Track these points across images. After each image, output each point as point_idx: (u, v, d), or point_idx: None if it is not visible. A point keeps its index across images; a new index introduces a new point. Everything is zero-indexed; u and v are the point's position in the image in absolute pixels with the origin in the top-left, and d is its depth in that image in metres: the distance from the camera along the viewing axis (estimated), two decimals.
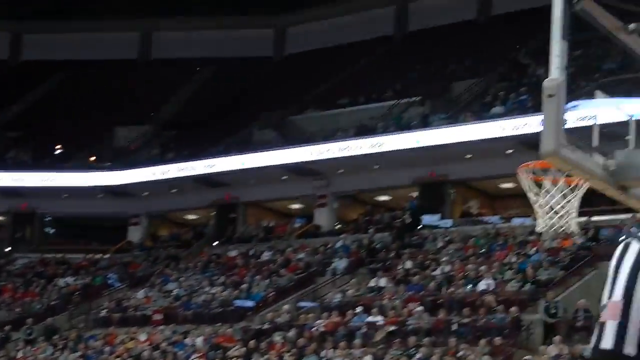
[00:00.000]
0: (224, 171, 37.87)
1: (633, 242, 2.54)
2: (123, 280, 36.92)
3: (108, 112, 45.59)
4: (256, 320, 29.42)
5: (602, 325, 2.53)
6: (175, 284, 34.42)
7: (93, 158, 43.59)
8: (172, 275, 35.57)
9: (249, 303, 30.70)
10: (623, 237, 2.65)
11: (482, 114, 34.42)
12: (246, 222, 39.58)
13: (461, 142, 32.08)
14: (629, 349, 2.47)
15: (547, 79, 5.73)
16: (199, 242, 39.33)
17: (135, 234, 41.76)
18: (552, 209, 12.63)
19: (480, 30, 42.94)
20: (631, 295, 2.49)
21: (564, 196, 11.46)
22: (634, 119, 7.16)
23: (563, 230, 11.70)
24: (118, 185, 40.45)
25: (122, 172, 40.52)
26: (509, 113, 32.94)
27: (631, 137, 6.77)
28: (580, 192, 11.46)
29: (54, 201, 41.57)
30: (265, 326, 28.23)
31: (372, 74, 42.09)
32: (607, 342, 2.49)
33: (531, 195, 12.70)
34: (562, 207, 11.50)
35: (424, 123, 35.35)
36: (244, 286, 32.13)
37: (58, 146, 45.26)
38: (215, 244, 38.66)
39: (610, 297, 2.52)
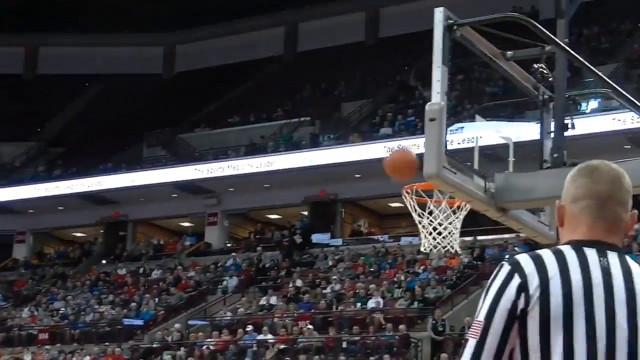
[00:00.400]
0: (112, 188, 37.48)
1: (505, 265, 2.69)
2: (7, 298, 36.18)
3: None
4: (145, 339, 29.20)
5: (466, 342, 2.68)
6: (62, 302, 33.89)
7: None
8: (59, 294, 35.01)
9: (138, 322, 30.44)
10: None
11: (370, 134, 34.99)
12: (135, 240, 39.28)
13: (350, 162, 32.50)
14: None
15: (428, 103, 6.00)
16: (87, 260, 38.82)
17: (20, 252, 40.95)
18: (436, 230, 13.01)
19: (369, 52, 43.67)
20: (492, 317, 2.63)
21: (447, 217, 11.81)
22: (513, 142, 7.54)
23: (447, 250, 12.07)
24: (2, 202, 39.60)
25: (6, 188, 39.70)
26: (397, 134, 33.57)
27: (510, 159, 7.14)
28: (462, 213, 11.82)
29: None
30: (155, 345, 28.06)
31: (262, 94, 42.35)
32: (465, 359, 2.65)
33: (415, 216, 13.08)
34: (445, 227, 11.86)
35: (314, 143, 35.75)
36: (133, 304, 31.81)
37: None
38: (103, 262, 38.24)
39: (477, 315, 2.67)
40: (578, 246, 2.72)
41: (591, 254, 2.70)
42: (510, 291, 2.64)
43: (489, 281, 2.71)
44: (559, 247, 2.75)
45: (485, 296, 2.69)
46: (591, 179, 2.77)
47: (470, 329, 2.68)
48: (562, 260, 2.68)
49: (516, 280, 2.64)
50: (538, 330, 2.61)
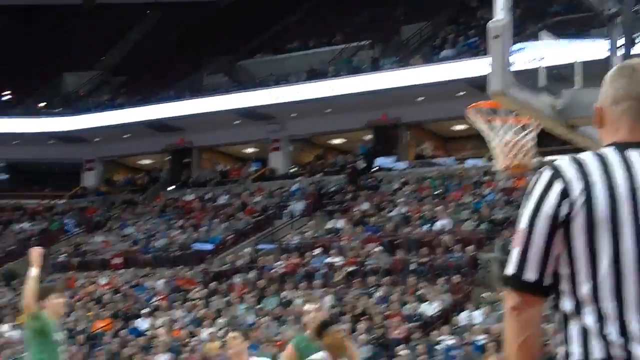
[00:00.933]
0: (175, 116, 37.94)
1: (545, 171, 2.62)
2: (80, 225, 37.08)
3: (55, 57, 45.24)
4: (215, 263, 29.81)
5: (511, 252, 2.63)
6: (133, 228, 34.64)
7: (43, 104, 43.37)
8: (129, 220, 35.80)
9: (208, 246, 31.05)
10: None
11: (431, 57, 34.81)
12: (201, 167, 39.83)
13: (412, 85, 32.42)
14: (529, 274, 2.59)
15: (492, 20, 6.07)
16: (154, 186, 39.54)
17: (89, 180, 41.83)
18: (507, 147, 12.95)
19: None
20: (533, 224, 2.58)
21: (516, 134, 11.77)
22: (580, 59, 7.60)
23: (522, 166, 11.97)
24: (69, 131, 40.39)
25: (72, 117, 40.36)
26: (459, 56, 33.35)
27: (577, 76, 7.22)
28: (533, 130, 11.75)
29: (5, 147, 41.47)
30: (225, 268, 28.63)
31: (321, 18, 42.17)
32: (511, 268, 2.61)
33: (485, 135, 13.07)
34: (517, 145, 11.76)
35: (375, 66, 35.67)
36: (202, 229, 32.47)
37: (6, 92, 44.95)
38: (170, 188, 38.90)
39: (519, 225, 2.62)
40: (620, 148, 2.64)
41: (635, 155, 2.62)
42: (552, 198, 2.58)
43: (529, 188, 2.65)
44: (601, 150, 2.67)
45: (526, 204, 2.63)
46: (631, 79, 2.70)
47: (514, 240, 2.65)
48: (605, 162, 2.60)
49: (558, 187, 2.58)
50: (583, 236, 2.56)
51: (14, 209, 39.91)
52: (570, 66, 7.55)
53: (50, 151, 41.28)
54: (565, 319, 2.63)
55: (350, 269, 25.73)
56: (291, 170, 37.30)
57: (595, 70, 7.17)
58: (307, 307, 7.70)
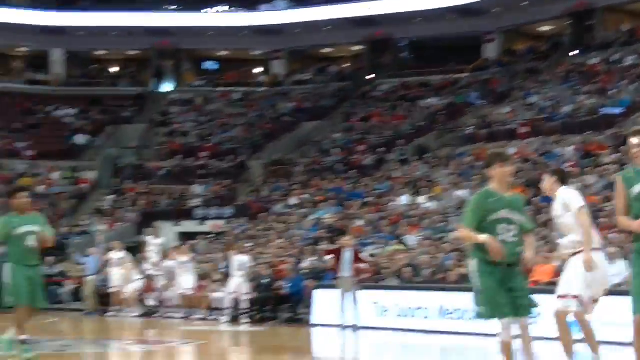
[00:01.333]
0: None
1: None
2: (484, 97, 37.39)
3: None
4: (627, 126, 28.73)
5: None
6: (538, 96, 34.29)
7: None
8: (533, 89, 35.46)
9: (617, 110, 30.03)
10: None
11: None
12: (605, 28, 38.33)
13: None
14: None
15: None
16: (556, 53, 38.78)
17: (490, 51, 41.91)
18: None
19: None
20: None
21: None
22: None
23: None
24: (467, 4, 40.57)
25: None
26: None
27: None
28: None
29: (406, 26, 42.69)
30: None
31: None
32: None
33: None
34: None
35: None
36: (610, 93, 31.40)
37: None
38: (573, 53, 37.91)
39: None
40: None
41: None
42: None
43: None
44: None
45: None
46: None
47: None
48: None
49: None
50: None
51: (420, 85, 41.18)
52: None
53: (450, 26, 41.81)
54: None
55: None
56: None
57: None
58: (634, 140, 7.42)
